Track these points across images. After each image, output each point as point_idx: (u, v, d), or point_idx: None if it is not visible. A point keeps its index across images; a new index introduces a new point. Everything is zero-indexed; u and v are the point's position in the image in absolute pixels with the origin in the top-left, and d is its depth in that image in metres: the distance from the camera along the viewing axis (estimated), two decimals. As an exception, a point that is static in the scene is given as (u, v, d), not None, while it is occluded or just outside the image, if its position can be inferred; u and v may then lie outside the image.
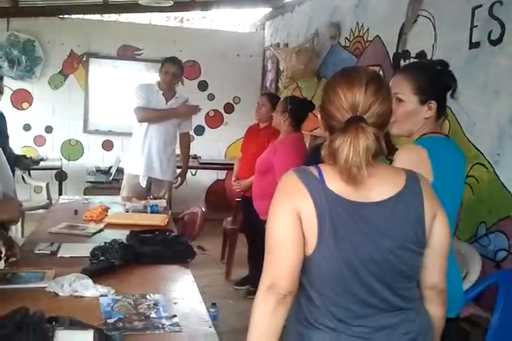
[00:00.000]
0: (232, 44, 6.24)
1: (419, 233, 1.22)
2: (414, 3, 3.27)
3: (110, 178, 5.40)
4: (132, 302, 1.75)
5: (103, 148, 6.10)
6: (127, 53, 6.01)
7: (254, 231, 3.51)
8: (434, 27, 3.09)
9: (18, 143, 5.54)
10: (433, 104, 1.67)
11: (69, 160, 6.01)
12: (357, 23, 4.08)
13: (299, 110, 3.42)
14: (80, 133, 6.03)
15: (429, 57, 3.08)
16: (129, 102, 4.13)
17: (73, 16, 5.93)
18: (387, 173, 1.26)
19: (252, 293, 3.64)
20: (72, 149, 6.04)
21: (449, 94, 1.71)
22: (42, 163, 4.48)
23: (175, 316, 1.67)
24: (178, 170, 4.37)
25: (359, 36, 4.06)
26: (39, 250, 2.28)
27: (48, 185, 5.26)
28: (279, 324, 1.20)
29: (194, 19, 7.63)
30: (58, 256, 2.25)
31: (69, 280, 1.83)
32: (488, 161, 2.62)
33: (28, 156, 3.77)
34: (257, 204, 3.47)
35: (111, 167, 5.64)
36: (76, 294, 1.78)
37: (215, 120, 6.34)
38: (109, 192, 4.59)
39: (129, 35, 6.00)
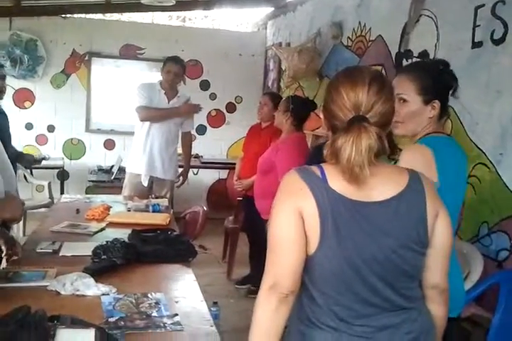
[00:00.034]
0: (234, 43, 6.24)
1: (422, 233, 1.22)
2: (416, 3, 3.27)
3: (112, 177, 5.40)
4: (134, 301, 1.75)
5: (105, 147, 6.11)
6: (129, 52, 6.02)
7: (256, 230, 3.51)
8: (437, 26, 3.09)
9: (20, 142, 5.54)
10: (436, 104, 1.67)
11: (71, 159, 6.02)
12: (359, 22, 4.07)
13: (300, 109, 3.42)
14: (81, 132, 6.04)
15: (431, 57, 3.08)
16: (131, 101, 4.13)
17: (75, 16, 5.93)
18: (390, 173, 1.26)
19: (253, 292, 3.65)
20: (74, 148, 6.05)
21: (450, 93, 1.71)
22: (44, 162, 4.48)
23: (176, 315, 1.67)
24: (180, 170, 4.37)
25: (361, 36, 4.05)
26: (41, 249, 2.28)
27: (49, 184, 5.26)
28: (280, 323, 1.20)
29: (196, 18, 7.62)
30: (60, 254, 2.25)
31: (71, 279, 1.83)
32: (490, 161, 2.62)
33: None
34: (258, 203, 3.47)
35: (113, 166, 5.65)
36: (78, 293, 1.78)
37: (216, 119, 6.34)
38: (110, 191, 4.60)
39: (131, 34, 6.00)
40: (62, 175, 5.57)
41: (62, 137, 6.00)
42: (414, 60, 3.26)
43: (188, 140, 4.37)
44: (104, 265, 2.03)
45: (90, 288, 1.80)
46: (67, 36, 5.84)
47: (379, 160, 1.20)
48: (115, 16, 6.88)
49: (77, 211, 3.06)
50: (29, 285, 1.85)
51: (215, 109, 6.30)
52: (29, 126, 5.88)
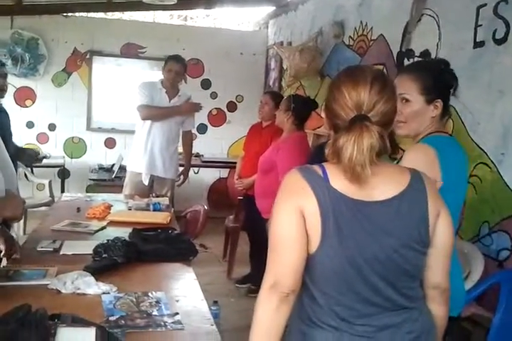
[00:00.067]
0: (236, 42, 6.23)
1: (423, 232, 1.22)
2: (418, 2, 3.26)
3: (113, 176, 5.40)
4: (134, 299, 1.75)
5: (106, 145, 6.11)
6: (131, 51, 6.02)
7: (256, 229, 3.51)
8: (439, 26, 3.08)
9: (21, 140, 5.53)
10: (439, 103, 1.67)
11: (72, 157, 6.02)
12: (361, 21, 4.07)
13: (302, 109, 3.42)
14: (82, 130, 6.04)
15: (433, 56, 3.08)
16: (132, 100, 4.13)
17: (77, 14, 5.94)
18: (391, 172, 1.26)
19: (253, 291, 3.65)
20: (75, 147, 6.05)
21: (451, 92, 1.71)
22: (45, 161, 4.47)
23: (177, 314, 1.67)
24: (181, 168, 4.37)
25: (363, 35, 4.05)
26: (41, 247, 2.28)
27: (50, 182, 5.27)
28: (281, 322, 1.20)
29: (198, 17, 7.61)
30: (61, 253, 2.25)
31: (71, 277, 1.83)
32: (491, 161, 2.62)
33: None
34: (259, 202, 3.47)
35: (113, 165, 5.65)
36: (78, 291, 1.78)
37: (217, 118, 6.34)
38: (111, 189, 4.59)
39: (132, 33, 6.00)
40: (63, 173, 5.57)
41: (63, 135, 6.00)
42: (416, 59, 3.26)
43: (188, 139, 4.37)
44: (105, 264, 2.03)
45: (91, 286, 1.80)
46: (69, 35, 5.83)
47: (380, 160, 1.20)
48: (116, 15, 6.88)
49: (78, 209, 3.06)
50: (30, 283, 1.85)
51: (216, 108, 6.30)
52: (30, 125, 5.88)
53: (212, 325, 1.64)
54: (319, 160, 1.28)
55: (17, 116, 5.23)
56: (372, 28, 3.92)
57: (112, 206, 3.13)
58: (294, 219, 1.18)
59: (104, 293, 1.78)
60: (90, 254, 2.11)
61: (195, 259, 2.32)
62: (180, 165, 4.36)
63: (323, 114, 1.30)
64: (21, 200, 1.91)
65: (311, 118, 3.53)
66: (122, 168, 5.03)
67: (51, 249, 2.27)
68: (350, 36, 4.27)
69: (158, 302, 1.75)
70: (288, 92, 5.15)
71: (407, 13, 3.36)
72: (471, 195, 2.63)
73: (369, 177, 1.17)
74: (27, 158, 3.33)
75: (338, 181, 1.20)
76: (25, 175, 5.18)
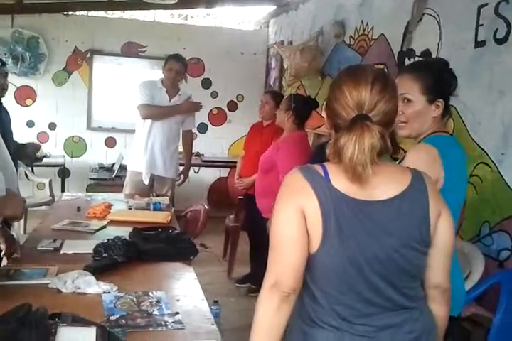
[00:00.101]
0: (236, 42, 6.23)
1: (424, 232, 1.22)
2: (419, 2, 3.26)
3: (113, 175, 5.40)
4: (135, 299, 1.75)
5: (106, 145, 6.11)
6: (131, 50, 6.01)
7: (257, 229, 3.51)
8: (440, 25, 3.08)
9: (22, 139, 5.50)
10: (440, 103, 1.67)
11: (72, 157, 6.02)
12: (362, 21, 4.07)
13: (302, 108, 3.41)
14: (83, 130, 6.04)
15: (434, 56, 3.08)
16: (133, 99, 4.13)
17: (77, 13, 5.93)
18: (393, 172, 1.26)
19: (253, 290, 3.65)
20: (75, 146, 6.05)
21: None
22: (45, 160, 4.48)
23: (177, 313, 1.67)
24: (181, 168, 4.37)
25: (364, 34, 4.05)
26: (42, 247, 2.28)
27: (50, 181, 5.27)
28: (282, 322, 1.20)
29: (198, 16, 7.60)
30: (61, 252, 2.25)
31: (72, 276, 1.83)
32: (492, 161, 2.61)
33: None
34: (259, 202, 3.47)
35: (114, 164, 5.65)
36: (79, 291, 1.78)
37: (218, 118, 6.34)
38: (111, 189, 4.59)
39: (133, 32, 6.00)
40: (63, 172, 5.57)
41: (63, 135, 6.00)
42: (417, 59, 3.26)
43: (189, 138, 4.36)
44: (105, 263, 2.03)
45: (91, 286, 1.80)
46: (69, 34, 5.83)
47: (382, 159, 1.20)
48: (117, 14, 6.87)
49: (78, 209, 3.06)
50: (30, 283, 1.85)
51: (216, 108, 6.30)
52: (30, 124, 5.88)
53: (212, 325, 1.64)
54: (320, 159, 1.28)
55: (17, 115, 5.22)
56: (373, 27, 3.91)
57: (112, 205, 3.13)
58: (295, 219, 1.18)
59: (104, 293, 1.78)
60: (91, 253, 2.11)
61: (196, 259, 2.31)
62: (181, 165, 4.36)
63: (324, 114, 1.30)
64: (22, 199, 1.91)
65: (312, 117, 3.53)
66: (122, 168, 5.03)
67: (51, 248, 2.27)
68: (351, 36, 4.26)
69: (158, 301, 1.75)
70: (288, 92, 5.15)
71: (408, 12, 3.36)
72: (471, 194, 2.63)
73: (370, 177, 1.16)
74: (31, 150, 3.31)
75: (339, 181, 1.20)
76: (26, 174, 5.19)
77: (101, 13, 6.26)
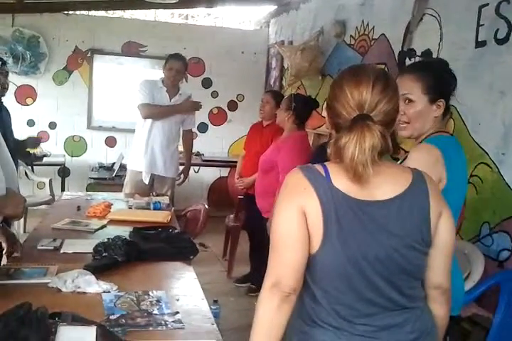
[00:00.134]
0: (237, 41, 6.23)
1: (425, 232, 1.22)
2: (420, 2, 3.26)
3: (113, 175, 5.40)
4: (135, 298, 1.75)
5: (106, 144, 6.11)
6: (132, 50, 6.01)
7: (256, 228, 3.51)
8: (440, 25, 3.08)
9: (22, 139, 5.53)
10: (442, 103, 1.67)
11: (72, 156, 6.02)
12: (362, 21, 4.07)
13: (302, 108, 3.41)
14: (83, 129, 6.04)
15: (434, 56, 3.08)
16: (133, 99, 4.13)
17: (78, 12, 5.93)
18: (393, 172, 1.26)
19: (253, 290, 3.65)
20: (76, 145, 6.05)
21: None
22: (45, 159, 4.49)
23: (177, 313, 1.67)
24: (181, 167, 4.37)
25: (364, 34, 4.04)
26: (42, 246, 2.28)
27: (50, 181, 5.26)
28: (282, 322, 1.20)
29: (199, 16, 7.60)
30: (61, 251, 2.25)
31: (72, 276, 1.83)
32: (492, 161, 2.61)
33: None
34: (259, 202, 3.47)
35: (114, 163, 5.65)
36: (79, 290, 1.78)
37: (218, 117, 6.34)
38: (111, 188, 4.60)
39: (133, 31, 6.00)
40: (64, 172, 5.56)
41: (63, 134, 6.00)
42: (418, 59, 3.26)
43: (189, 138, 4.37)
44: (105, 262, 2.03)
45: (91, 285, 1.80)
46: (70, 33, 5.83)
47: (382, 159, 1.20)
48: (118, 13, 6.86)
49: (78, 208, 3.06)
50: (30, 282, 1.85)
51: (216, 107, 6.30)
52: (31, 123, 5.88)
53: (212, 324, 1.64)
54: (321, 159, 1.28)
55: (18, 115, 5.21)
56: (373, 27, 3.91)
57: (112, 205, 3.13)
58: (296, 219, 1.18)
59: (104, 292, 1.78)
60: (91, 253, 2.11)
61: (196, 258, 2.31)
62: (181, 164, 4.36)
63: (324, 113, 1.30)
64: (22, 198, 1.91)
65: (312, 117, 3.53)
66: (123, 167, 5.03)
67: (51, 248, 2.27)
68: (351, 35, 4.26)
69: (158, 301, 1.75)
70: (289, 91, 5.14)
71: (408, 12, 3.36)
72: (471, 195, 2.63)
73: (371, 177, 1.16)
74: (32, 145, 3.32)
75: (340, 180, 1.20)
76: (26, 173, 5.19)
77: (101, 13, 6.26)
